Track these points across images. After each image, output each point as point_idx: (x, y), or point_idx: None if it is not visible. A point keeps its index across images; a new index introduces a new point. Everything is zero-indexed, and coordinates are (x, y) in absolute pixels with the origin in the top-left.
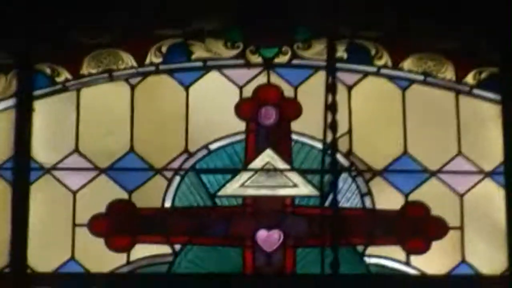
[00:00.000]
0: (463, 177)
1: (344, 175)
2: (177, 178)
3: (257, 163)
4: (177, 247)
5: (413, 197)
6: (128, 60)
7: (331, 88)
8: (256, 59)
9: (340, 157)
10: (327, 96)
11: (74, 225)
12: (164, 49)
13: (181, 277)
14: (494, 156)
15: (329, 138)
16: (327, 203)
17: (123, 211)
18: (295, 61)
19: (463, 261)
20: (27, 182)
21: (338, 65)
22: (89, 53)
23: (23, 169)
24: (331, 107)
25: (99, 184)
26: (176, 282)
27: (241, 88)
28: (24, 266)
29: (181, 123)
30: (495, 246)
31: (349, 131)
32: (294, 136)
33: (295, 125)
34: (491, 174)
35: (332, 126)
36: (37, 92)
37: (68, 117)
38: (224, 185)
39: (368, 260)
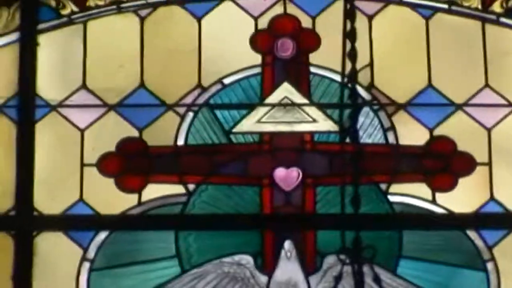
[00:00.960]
0: (491, 110)
1: (365, 110)
2: (190, 115)
3: (274, 97)
4: (191, 187)
5: (438, 131)
6: None
7: (349, 15)
8: None
9: (361, 91)
10: (345, 24)
11: (82, 165)
12: None
13: (196, 218)
14: None
15: (348, 69)
16: (347, 139)
17: (134, 149)
18: None
19: (492, 198)
20: (32, 120)
21: None
22: None
23: (28, 107)
24: (349, 35)
25: (108, 122)
26: (191, 223)
27: (256, 19)
28: (30, 208)
29: (193, 56)
30: None
31: (370, 63)
32: (312, 69)
33: (313, 57)
34: None
35: (351, 55)
36: (42, 26)
37: (75, 52)
38: (239, 121)
39: (392, 198)
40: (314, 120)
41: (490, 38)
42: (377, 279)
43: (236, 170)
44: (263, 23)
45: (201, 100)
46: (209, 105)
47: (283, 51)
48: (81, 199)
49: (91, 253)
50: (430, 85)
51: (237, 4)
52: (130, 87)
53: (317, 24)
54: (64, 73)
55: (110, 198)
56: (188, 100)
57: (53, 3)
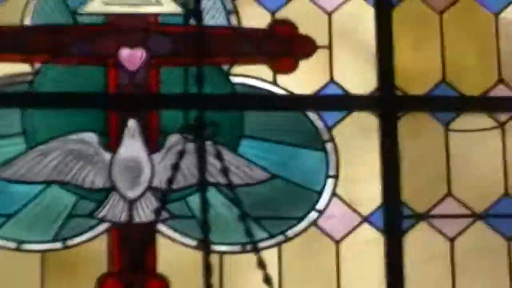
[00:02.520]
0: None
1: None
2: None
3: None
4: (37, 66)
5: (280, 15)
6: None
7: None
8: None
9: None
10: None
11: None
12: None
13: (42, 96)
14: None
15: None
16: (191, 21)
17: None
18: None
19: (332, 80)
20: None
21: None
22: None
23: None
24: None
25: None
26: (37, 101)
27: None
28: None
29: None
30: (364, 65)
31: None
32: None
33: None
34: None
35: None
36: None
37: None
38: (85, 2)
39: (234, 79)
40: (159, 2)
41: None
42: (219, 156)
43: (82, 50)
44: None
45: None
46: None
47: None
48: None
49: None
50: None
51: None
52: None
53: None
54: None
55: None
56: None
57: None
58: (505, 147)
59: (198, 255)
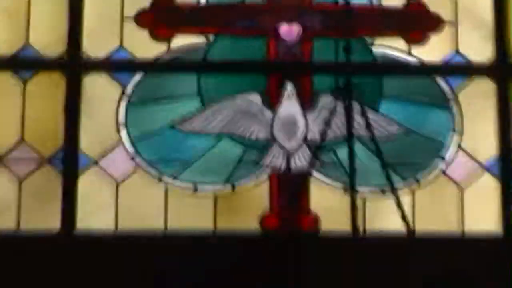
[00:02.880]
0: None
1: None
2: None
3: None
4: (211, 37)
5: None
6: None
7: None
8: None
9: None
10: None
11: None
12: None
13: (214, 63)
14: None
15: None
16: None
17: (164, 5)
18: None
19: (457, 52)
20: None
21: None
22: None
23: None
24: None
25: None
26: (210, 68)
27: None
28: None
29: None
30: (483, 38)
31: None
32: None
33: None
34: None
35: None
36: None
37: None
38: None
39: (375, 49)
40: None
41: None
42: (363, 113)
43: (247, 24)
44: None
45: None
46: None
47: None
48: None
49: (128, 91)
50: None
51: None
52: None
53: None
54: None
55: (145, 46)
56: None
57: None
58: None
59: (344, 197)
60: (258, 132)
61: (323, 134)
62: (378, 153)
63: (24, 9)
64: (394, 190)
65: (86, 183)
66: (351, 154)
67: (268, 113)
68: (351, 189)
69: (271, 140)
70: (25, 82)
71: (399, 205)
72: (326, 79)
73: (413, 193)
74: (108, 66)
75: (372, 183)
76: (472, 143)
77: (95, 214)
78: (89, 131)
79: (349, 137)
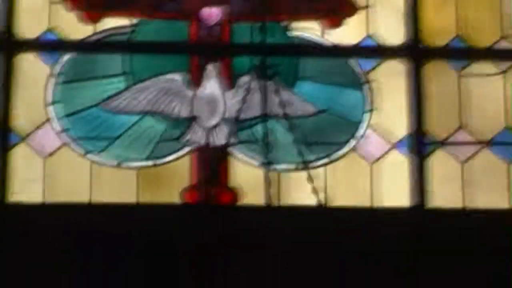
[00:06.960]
0: None
1: None
2: None
3: None
4: (135, 21)
5: None
6: None
7: None
8: None
9: None
10: None
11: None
12: None
13: (140, 44)
14: None
15: None
16: None
17: None
18: None
19: (370, 35)
20: None
21: None
22: None
23: None
24: None
25: None
26: (137, 48)
27: None
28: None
29: None
30: (395, 22)
31: None
32: None
33: None
34: None
35: None
36: None
37: None
38: None
39: (292, 33)
40: None
41: None
42: (278, 92)
43: (172, 8)
44: None
45: None
46: None
47: None
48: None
49: (57, 70)
50: None
51: None
52: None
53: None
54: None
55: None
56: None
57: None
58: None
59: (260, 172)
60: (180, 110)
61: (241, 112)
62: (290, 129)
63: None
64: (305, 165)
65: (16, 158)
66: (266, 131)
67: (190, 92)
68: (266, 164)
69: (192, 118)
70: None
71: (310, 179)
72: (246, 60)
73: (325, 169)
74: (38, 47)
75: (288, 160)
76: (383, 121)
77: (25, 188)
78: (20, 108)
79: (265, 115)
